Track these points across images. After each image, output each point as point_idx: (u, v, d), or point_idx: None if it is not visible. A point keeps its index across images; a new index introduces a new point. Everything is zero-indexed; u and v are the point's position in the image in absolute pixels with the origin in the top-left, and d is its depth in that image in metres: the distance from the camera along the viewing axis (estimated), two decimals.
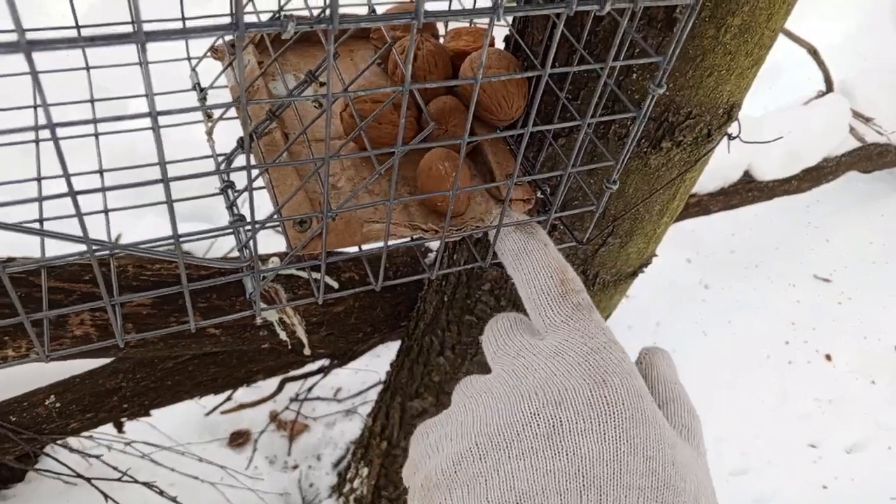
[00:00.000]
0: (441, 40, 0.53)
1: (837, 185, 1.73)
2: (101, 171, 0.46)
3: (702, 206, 1.24)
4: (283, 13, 0.44)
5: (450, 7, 0.51)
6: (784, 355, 1.50)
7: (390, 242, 0.41)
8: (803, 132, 1.34)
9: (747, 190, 1.30)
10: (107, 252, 0.37)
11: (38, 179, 0.43)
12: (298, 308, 0.66)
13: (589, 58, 0.43)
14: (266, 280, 0.43)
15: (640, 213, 0.55)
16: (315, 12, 0.40)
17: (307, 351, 0.69)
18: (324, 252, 0.38)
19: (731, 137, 0.57)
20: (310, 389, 1.42)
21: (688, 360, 1.52)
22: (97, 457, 0.96)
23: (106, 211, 0.43)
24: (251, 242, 0.38)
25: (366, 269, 0.68)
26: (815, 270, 1.69)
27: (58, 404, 0.72)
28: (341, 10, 0.45)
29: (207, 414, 1.40)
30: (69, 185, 0.28)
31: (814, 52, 1.37)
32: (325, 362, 1.20)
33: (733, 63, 0.46)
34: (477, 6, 0.52)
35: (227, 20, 0.25)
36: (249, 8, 0.47)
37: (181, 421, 1.40)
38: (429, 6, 0.29)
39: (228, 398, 1.40)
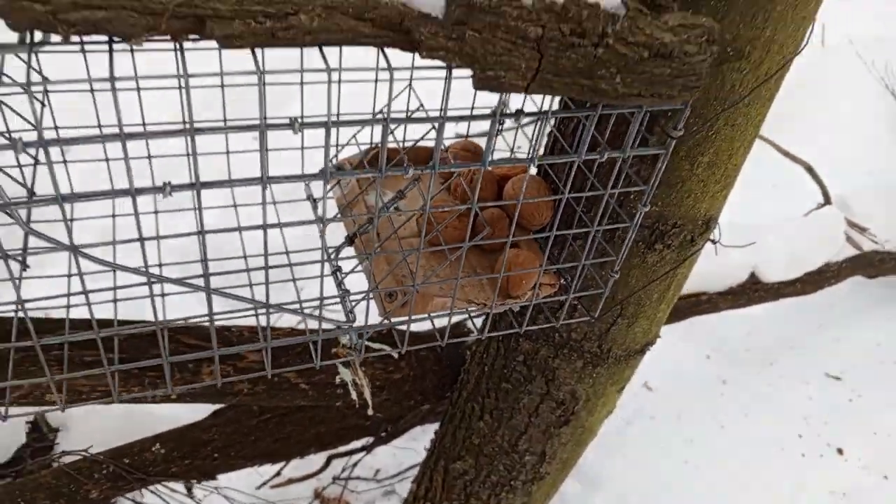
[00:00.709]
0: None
1: (845, 289, 1.87)
2: (244, 257, 0.63)
3: (712, 303, 1.39)
4: (332, 168, 0.63)
5: (493, 148, 0.70)
6: (797, 448, 1.59)
7: (450, 313, 0.57)
8: (804, 239, 1.49)
9: (754, 290, 1.45)
10: (263, 311, 0.54)
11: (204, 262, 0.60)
12: (366, 372, 0.81)
13: (598, 185, 0.60)
14: (363, 337, 0.59)
15: (641, 299, 0.71)
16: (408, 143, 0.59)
17: (370, 411, 0.84)
18: (411, 312, 0.55)
19: (713, 242, 0.73)
20: (354, 465, 1.54)
21: (706, 450, 1.61)
22: None
23: (250, 284, 0.60)
24: (356, 308, 0.54)
25: (423, 341, 0.84)
26: (826, 369, 1.79)
27: (162, 451, 0.87)
28: (421, 143, 0.64)
29: (258, 487, 1.52)
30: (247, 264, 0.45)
31: (809, 169, 1.55)
32: (368, 440, 1.33)
33: (706, 188, 0.63)
34: (516, 152, 0.71)
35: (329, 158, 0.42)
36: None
37: (234, 494, 1.52)
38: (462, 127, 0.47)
39: (278, 473, 1.52)
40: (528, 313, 0.59)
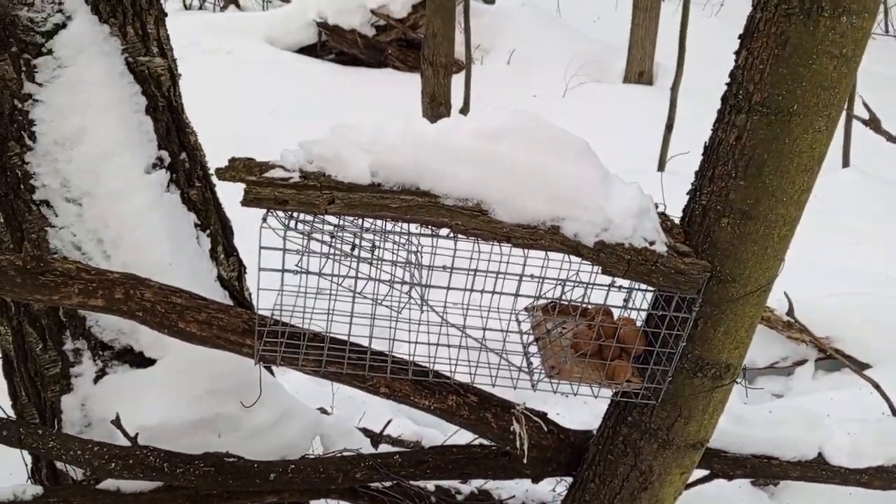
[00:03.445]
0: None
1: None
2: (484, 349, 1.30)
3: (782, 468, 1.80)
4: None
5: (606, 300, 1.33)
6: None
7: (579, 383, 1.18)
8: (869, 437, 1.89)
9: (821, 468, 1.84)
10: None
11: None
12: (532, 433, 1.41)
13: (661, 328, 1.20)
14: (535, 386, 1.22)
15: (692, 407, 1.26)
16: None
17: (525, 459, 1.42)
18: (560, 377, 1.17)
19: (737, 382, 1.29)
20: None
21: None
22: None
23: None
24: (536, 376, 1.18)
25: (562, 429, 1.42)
26: None
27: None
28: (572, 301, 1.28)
29: None
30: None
31: (876, 387, 1.95)
32: None
33: (724, 345, 1.21)
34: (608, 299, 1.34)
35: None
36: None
37: None
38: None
39: None
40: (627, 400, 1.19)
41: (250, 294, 1.97)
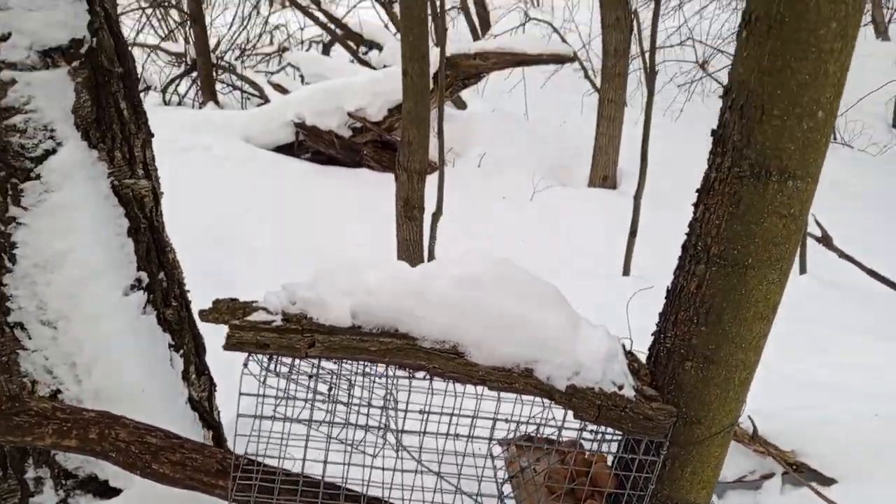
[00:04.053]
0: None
1: None
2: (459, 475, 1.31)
3: None
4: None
5: (579, 436, 1.36)
6: None
7: None
8: None
9: None
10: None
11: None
12: None
13: (632, 470, 1.23)
14: None
15: None
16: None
17: None
18: None
19: None
20: None
21: None
22: None
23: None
24: None
25: None
26: None
27: None
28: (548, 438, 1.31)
29: None
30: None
31: None
32: None
33: (692, 485, 1.24)
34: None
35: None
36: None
37: None
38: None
39: None
40: None
41: (219, 413, 1.95)
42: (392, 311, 1.11)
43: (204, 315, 1.12)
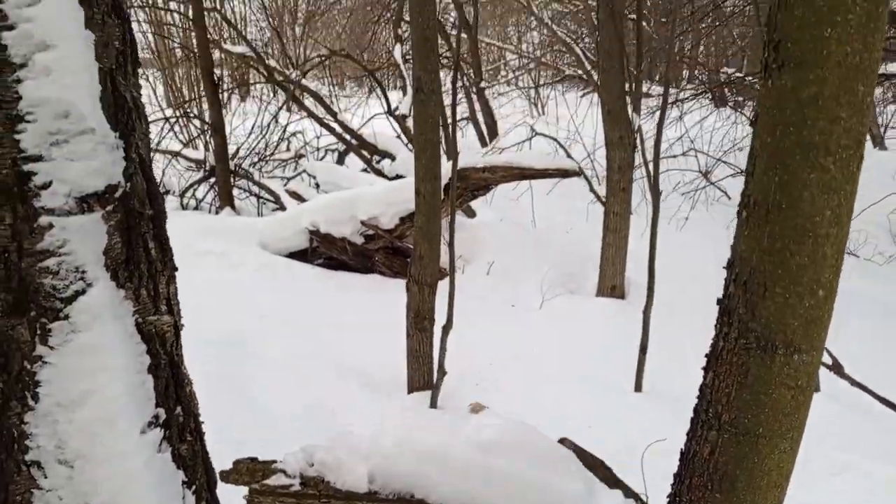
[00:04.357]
0: None
1: None
2: None
3: None
4: None
5: None
6: None
7: None
8: None
9: None
10: None
11: None
12: None
13: None
14: None
15: None
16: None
17: None
18: None
19: None
20: None
21: None
22: None
23: None
24: None
25: None
26: None
27: None
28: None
29: None
30: None
31: None
32: None
33: None
34: None
35: None
36: None
37: None
38: None
39: None
40: None
41: None
42: (410, 475, 1.13)
43: (225, 476, 1.15)
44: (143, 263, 1.82)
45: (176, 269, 1.98)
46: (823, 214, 1.05)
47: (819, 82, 1.03)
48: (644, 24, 13.11)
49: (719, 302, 1.24)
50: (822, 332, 1.14)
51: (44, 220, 1.67)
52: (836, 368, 2.93)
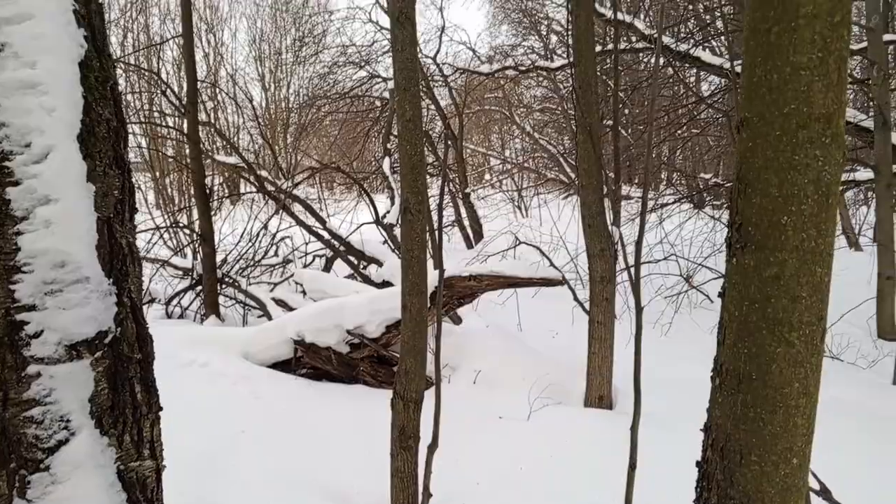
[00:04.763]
0: None
1: None
2: None
3: None
4: None
5: None
6: None
7: None
8: None
9: None
10: None
11: None
12: None
13: None
14: None
15: None
16: None
17: None
18: None
19: None
20: None
21: None
22: None
23: None
24: None
25: None
26: None
27: None
28: None
29: None
30: None
31: None
32: None
33: None
34: None
35: None
36: None
37: None
38: None
39: None
40: None
41: None
42: None
43: None
44: (128, 408, 1.82)
45: (161, 409, 1.98)
46: (792, 386, 1.10)
47: (779, 264, 1.10)
48: (622, 130, 13.72)
49: (698, 465, 1.26)
50: (800, 500, 1.17)
51: (32, 368, 1.68)
52: (825, 493, 2.90)
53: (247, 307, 7.92)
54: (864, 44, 8.26)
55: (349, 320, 6.22)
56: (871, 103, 7.97)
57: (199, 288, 7.70)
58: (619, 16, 8.77)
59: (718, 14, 9.50)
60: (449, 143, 12.41)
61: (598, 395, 5.83)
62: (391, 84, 9.53)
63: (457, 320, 7.63)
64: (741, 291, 1.17)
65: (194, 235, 8.28)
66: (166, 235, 8.97)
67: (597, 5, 9.04)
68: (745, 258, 1.16)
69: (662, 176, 17.14)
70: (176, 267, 8.30)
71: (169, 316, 7.82)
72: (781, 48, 1.09)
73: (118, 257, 1.86)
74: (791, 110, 1.09)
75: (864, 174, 9.28)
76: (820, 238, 1.13)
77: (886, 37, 8.17)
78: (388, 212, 8.79)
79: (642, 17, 10.37)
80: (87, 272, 1.76)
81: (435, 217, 7.77)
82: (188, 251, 8.85)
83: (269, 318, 7.13)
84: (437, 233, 5.22)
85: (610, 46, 8.85)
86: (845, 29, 1.08)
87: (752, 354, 1.11)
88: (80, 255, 1.75)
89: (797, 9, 1.07)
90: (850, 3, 1.10)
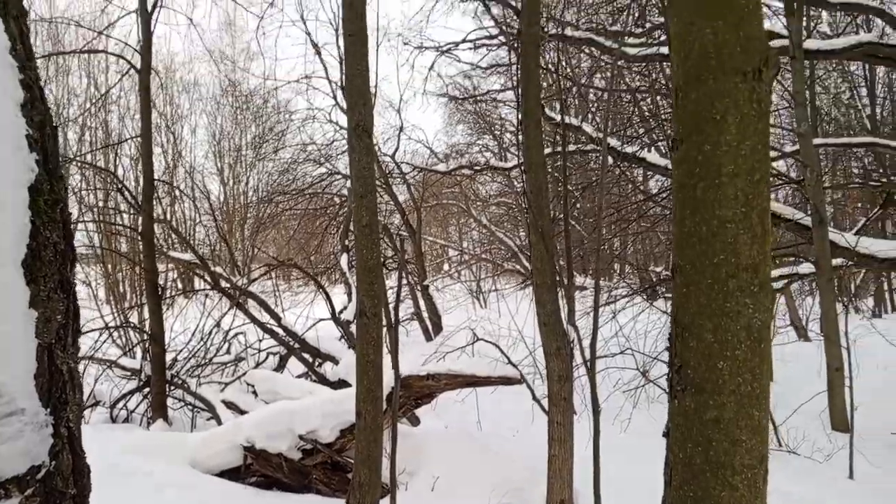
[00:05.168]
0: None
1: None
2: None
3: None
4: None
5: None
6: None
7: None
8: None
9: None
10: None
11: None
12: None
13: None
14: None
15: None
16: None
17: None
18: None
19: None
20: None
21: None
22: None
23: None
24: None
25: None
26: None
27: None
28: None
29: None
30: None
31: None
32: None
33: None
34: None
35: None
36: None
37: None
38: None
39: None
40: None
41: None
42: None
43: None
44: None
45: None
46: None
47: (718, 407, 1.13)
48: (575, 224, 14.09)
49: None
50: None
51: None
52: None
53: (196, 409, 7.61)
54: (797, 146, 8.80)
55: (301, 424, 6.02)
56: (808, 202, 8.41)
57: (147, 390, 7.41)
58: (568, 119, 9.21)
59: (663, 118, 10.06)
60: (407, 236, 12.55)
61: (560, 500, 5.69)
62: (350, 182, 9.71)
63: (415, 421, 7.47)
64: (684, 433, 1.19)
65: (144, 335, 8.04)
66: (116, 334, 8.69)
67: (547, 110, 9.49)
68: (685, 401, 1.18)
69: (615, 268, 17.54)
70: (124, 368, 8.01)
71: (114, 420, 7.46)
72: (707, 203, 1.16)
73: (57, 385, 1.79)
74: (721, 260, 1.14)
75: (807, 268, 9.66)
76: (755, 382, 1.17)
77: (816, 140, 8.73)
78: (345, 307, 8.72)
79: (590, 119, 10.90)
80: (23, 403, 1.69)
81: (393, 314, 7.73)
82: (138, 350, 8.57)
83: (219, 421, 6.86)
84: (393, 330, 5.18)
85: (560, 147, 9.22)
86: (765, 186, 1.15)
87: (698, 498, 1.11)
88: (16, 385, 1.68)
89: (719, 168, 1.15)
90: (769, 163, 1.18)
